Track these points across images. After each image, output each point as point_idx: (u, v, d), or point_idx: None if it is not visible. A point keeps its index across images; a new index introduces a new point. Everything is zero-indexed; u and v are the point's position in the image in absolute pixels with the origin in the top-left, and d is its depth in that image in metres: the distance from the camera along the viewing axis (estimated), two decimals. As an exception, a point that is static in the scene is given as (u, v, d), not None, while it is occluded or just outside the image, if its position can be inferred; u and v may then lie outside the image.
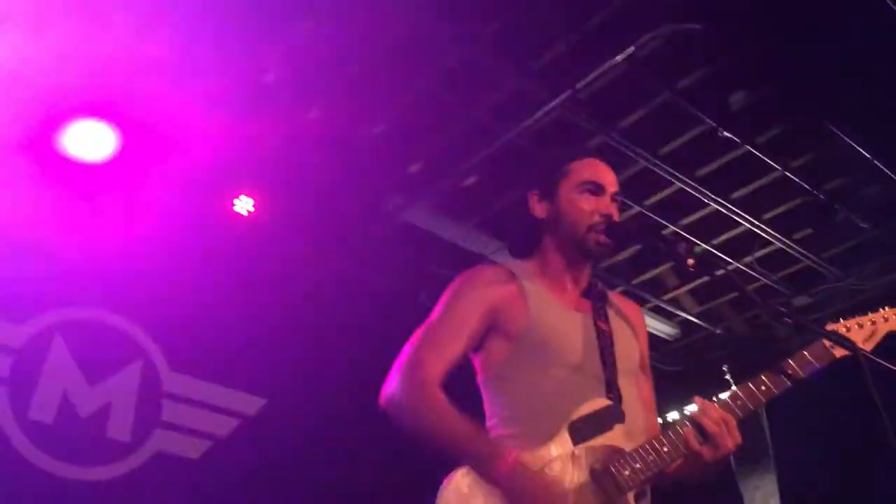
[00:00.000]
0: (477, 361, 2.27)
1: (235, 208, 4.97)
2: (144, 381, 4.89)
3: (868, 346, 2.19)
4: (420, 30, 4.17)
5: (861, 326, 2.22)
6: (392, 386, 2.11)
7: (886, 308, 2.28)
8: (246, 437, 5.14)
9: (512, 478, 1.92)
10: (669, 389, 5.97)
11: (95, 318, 4.87)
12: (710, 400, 2.11)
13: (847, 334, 2.19)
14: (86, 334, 4.79)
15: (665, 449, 2.03)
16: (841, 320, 2.25)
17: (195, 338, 5.04)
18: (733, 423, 2.06)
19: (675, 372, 7.10)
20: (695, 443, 2.02)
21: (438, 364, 2.12)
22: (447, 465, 2.05)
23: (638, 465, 1.99)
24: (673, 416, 6.61)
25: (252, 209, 4.98)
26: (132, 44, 3.73)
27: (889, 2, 3.78)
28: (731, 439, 2.04)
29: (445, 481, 1.99)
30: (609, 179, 2.34)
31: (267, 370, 5.21)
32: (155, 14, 3.69)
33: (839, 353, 2.16)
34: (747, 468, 7.50)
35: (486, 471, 1.95)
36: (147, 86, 4.08)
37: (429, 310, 2.30)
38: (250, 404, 5.28)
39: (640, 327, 2.43)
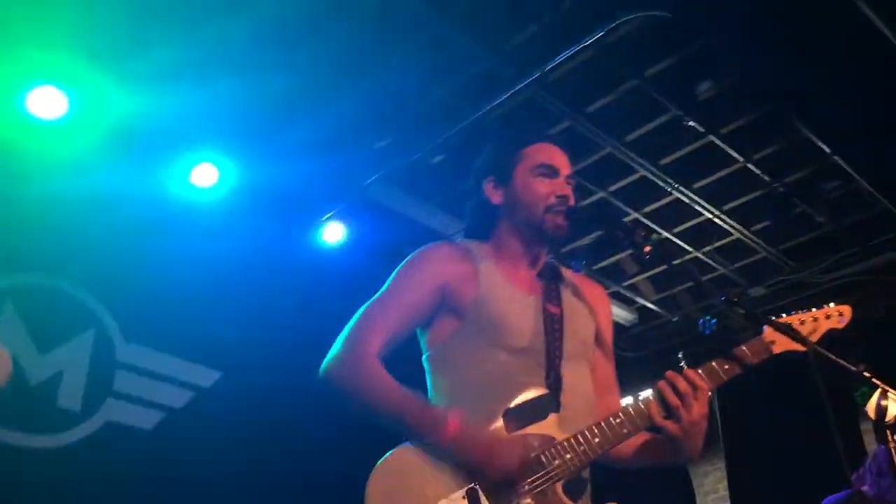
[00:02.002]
0: (423, 339, 2.26)
1: (192, 180, 4.88)
2: (97, 350, 4.81)
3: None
4: (392, 4, 4.12)
5: (802, 323, 2.23)
6: (331, 359, 2.09)
7: (831, 305, 2.28)
8: (200, 409, 5.09)
9: (459, 441, 1.92)
10: (624, 375, 6.03)
11: (47, 284, 4.77)
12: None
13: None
14: (37, 301, 4.69)
15: (612, 431, 2.01)
16: (784, 316, 2.25)
17: (150, 308, 4.96)
18: (704, 391, 2.03)
19: (631, 358, 7.18)
20: (658, 417, 2.02)
21: (379, 338, 2.10)
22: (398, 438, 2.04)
23: (569, 456, 1.98)
24: (626, 401, 6.69)
25: (214, 180, 4.90)
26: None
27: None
28: (696, 406, 2.00)
29: (381, 464, 1.97)
30: (562, 162, 2.34)
31: (224, 343, 5.16)
32: None
33: (778, 349, 2.16)
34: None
35: (433, 438, 1.94)
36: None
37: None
38: (206, 377, 5.23)
39: (599, 306, 2.41)
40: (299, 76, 4.59)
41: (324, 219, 5.45)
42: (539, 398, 2.06)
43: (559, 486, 1.97)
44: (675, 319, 7.11)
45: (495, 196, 2.35)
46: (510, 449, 1.94)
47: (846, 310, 2.28)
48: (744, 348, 2.15)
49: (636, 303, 6.97)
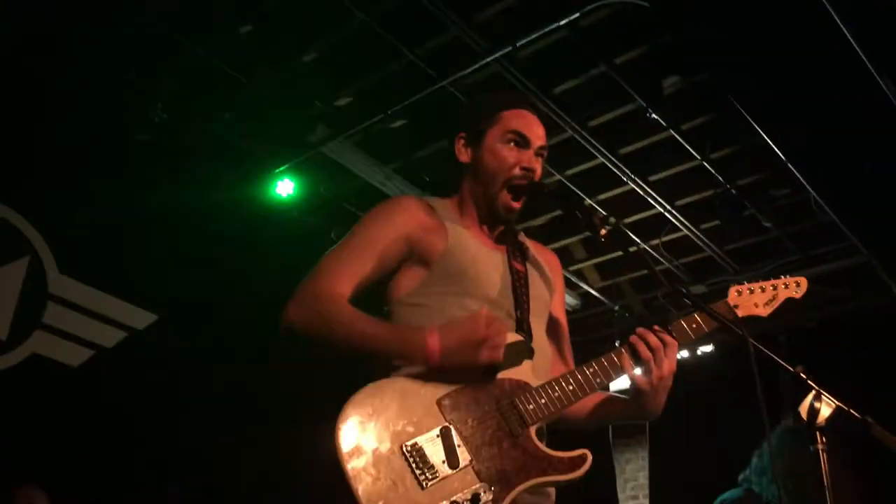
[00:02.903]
0: (386, 290, 2.19)
1: (149, 115, 4.77)
2: (29, 279, 4.67)
3: (766, 310, 2.29)
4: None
5: (763, 290, 2.29)
6: (290, 300, 2.03)
7: (789, 276, 2.36)
8: (131, 351, 4.99)
9: (446, 353, 1.92)
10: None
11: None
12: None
13: (749, 296, 2.28)
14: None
15: (585, 379, 2.04)
16: (745, 282, 2.31)
17: (90, 242, 4.83)
18: (673, 347, 2.09)
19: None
20: (630, 369, 2.06)
21: (342, 280, 2.06)
22: (335, 384, 1.97)
23: (543, 401, 2.00)
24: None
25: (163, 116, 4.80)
26: None
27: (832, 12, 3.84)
28: (667, 362, 2.07)
29: (359, 394, 1.90)
30: (537, 133, 2.28)
31: (163, 286, 5.05)
32: None
33: (743, 312, 2.23)
34: (622, 442, 7.79)
35: (420, 360, 1.93)
36: None
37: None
38: (141, 318, 5.12)
39: (555, 273, 2.42)
40: (263, 25, 4.50)
41: (277, 171, 5.37)
42: (515, 343, 2.06)
43: (532, 430, 1.98)
44: (616, 308, 7.20)
45: (464, 154, 2.30)
46: (496, 329, 1.94)
47: (803, 281, 2.36)
48: (711, 308, 2.18)
49: (580, 288, 7.03)
